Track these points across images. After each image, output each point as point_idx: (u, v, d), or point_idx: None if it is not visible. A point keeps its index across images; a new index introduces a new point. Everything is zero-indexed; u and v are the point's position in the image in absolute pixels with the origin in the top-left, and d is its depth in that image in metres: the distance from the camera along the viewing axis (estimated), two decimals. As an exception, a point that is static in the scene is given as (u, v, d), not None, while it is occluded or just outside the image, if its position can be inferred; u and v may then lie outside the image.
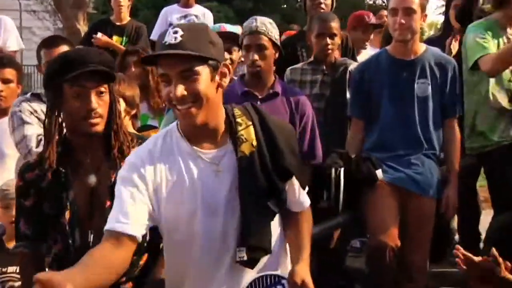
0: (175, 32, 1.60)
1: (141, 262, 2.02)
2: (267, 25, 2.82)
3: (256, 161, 1.71)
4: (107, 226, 1.60)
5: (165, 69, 1.60)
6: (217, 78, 1.64)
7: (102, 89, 1.91)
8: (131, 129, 2.52)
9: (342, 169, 2.79)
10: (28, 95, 3.04)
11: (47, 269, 2.04)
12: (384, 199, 2.86)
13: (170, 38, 1.58)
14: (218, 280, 1.73)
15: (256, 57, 2.76)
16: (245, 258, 1.70)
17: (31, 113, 2.92)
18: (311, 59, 3.44)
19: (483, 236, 3.48)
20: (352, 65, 3.37)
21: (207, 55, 1.59)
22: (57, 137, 1.97)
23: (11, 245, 2.53)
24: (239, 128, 1.74)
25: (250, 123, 1.76)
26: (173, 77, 1.58)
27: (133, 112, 2.67)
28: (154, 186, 1.67)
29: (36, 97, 2.98)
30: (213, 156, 1.70)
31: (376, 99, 3.02)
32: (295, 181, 1.80)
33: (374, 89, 3.04)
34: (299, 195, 1.85)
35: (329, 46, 3.26)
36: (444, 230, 3.59)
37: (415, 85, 2.94)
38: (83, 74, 1.86)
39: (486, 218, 3.58)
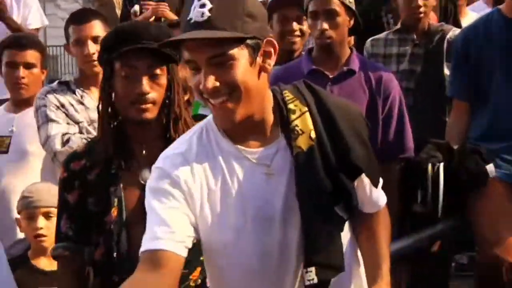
0: (202, 6, 1.43)
1: (193, 277, 1.96)
2: None
3: (317, 157, 1.56)
4: (142, 248, 1.44)
5: (191, 55, 1.45)
6: (259, 60, 1.47)
7: (158, 71, 1.85)
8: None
9: (442, 164, 2.59)
10: (55, 84, 2.92)
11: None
12: (497, 202, 2.64)
13: (196, 14, 1.42)
14: None
15: (325, 26, 2.56)
16: (315, 280, 1.54)
17: (58, 107, 2.81)
18: (398, 26, 3.30)
19: None
20: (452, 32, 3.17)
21: (244, 33, 1.43)
22: (109, 123, 1.95)
23: (38, 262, 2.49)
24: (293, 116, 1.58)
25: (306, 108, 1.60)
26: (201, 64, 1.43)
27: (186, 98, 2.53)
28: (192, 197, 1.53)
29: (65, 85, 2.87)
30: (262, 155, 1.56)
31: (486, 74, 2.76)
32: (364, 176, 1.63)
33: (483, 61, 2.78)
34: (371, 192, 1.67)
35: (421, 9, 3.12)
36: None
37: None
38: (134, 51, 1.83)
39: None
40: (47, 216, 2.49)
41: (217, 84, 1.40)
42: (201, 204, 1.52)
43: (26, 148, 2.94)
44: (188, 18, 1.44)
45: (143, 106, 1.86)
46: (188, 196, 1.49)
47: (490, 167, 2.61)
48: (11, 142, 2.96)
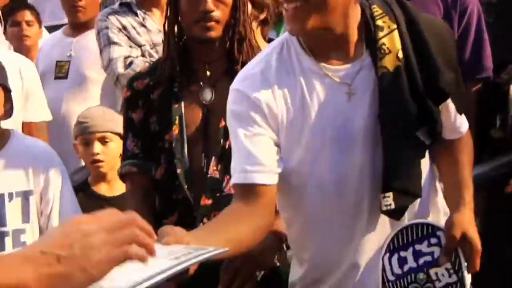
0: None
1: None
2: None
3: (403, 78, 1.52)
4: (233, 180, 1.49)
5: None
6: None
7: None
8: (260, 40, 2.43)
9: None
10: (116, 5, 2.87)
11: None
12: None
13: None
14: (356, 235, 1.57)
15: None
16: (393, 206, 1.54)
17: (120, 29, 2.76)
18: None
19: None
20: None
21: None
22: (175, 41, 1.95)
23: (98, 188, 2.50)
24: (380, 34, 1.53)
25: (395, 26, 1.54)
26: None
27: (263, 16, 2.52)
28: (273, 118, 1.53)
29: (126, 7, 2.81)
30: (344, 73, 1.53)
31: None
32: (449, 101, 1.60)
33: None
34: (455, 119, 1.64)
35: None
36: None
37: None
38: None
39: None
40: (103, 141, 2.49)
41: None
42: (280, 123, 1.51)
43: (85, 74, 2.92)
44: None
45: (208, 24, 1.84)
46: (269, 118, 1.49)
47: None
48: (70, 68, 2.94)
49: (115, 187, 2.51)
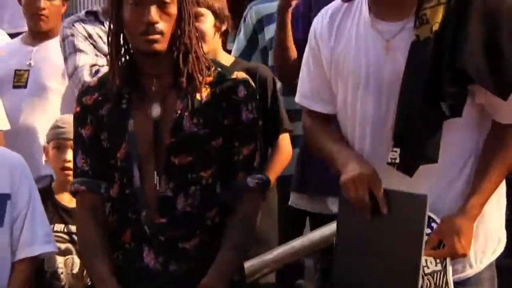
0: None
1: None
2: None
3: (428, 50, 1.62)
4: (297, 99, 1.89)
5: None
6: None
7: (168, 3, 1.82)
8: (221, 50, 2.57)
9: None
10: (82, 13, 2.89)
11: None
12: None
13: None
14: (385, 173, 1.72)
15: None
16: (397, 160, 1.67)
17: (86, 38, 2.78)
18: None
19: None
20: None
21: None
22: (120, 56, 1.91)
23: (61, 198, 2.52)
24: (426, 5, 1.63)
25: (445, 0, 1.63)
26: None
27: (224, 27, 2.56)
28: (327, 57, 1.79)
29: (93, 16, 2.84)
30: (387, 29, 1.69)
31: None
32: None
33: None
34: (500, 102, 1.65)
35: None
36: None
37: None
38: None
39: None
40: None
41: None
42: (333, 60, 1.76)
43: (44, 83, 2.90)
44: None
45: (151, 37, 1.81)
46: (323, 53, 1.78)
47: None
48: (29, 77, 2.91)
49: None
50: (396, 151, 1.68)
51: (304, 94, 1.89)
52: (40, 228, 2.37)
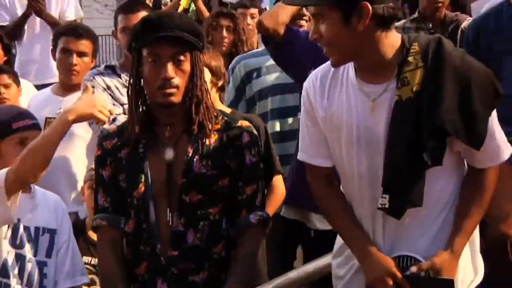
0: None
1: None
2: None
3: (411, 109, 1.76)
4: (303, 159, 2.00)
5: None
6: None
7: (181, 57, 1.96)
8: (218, 103, 2.64)
9: None
10: (102, 67, 3.14)
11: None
12: (509, 181, 2.58)
13: None
14: (375, 222, 1.89)
15: None
16: (387, 206, 1.80)
17: (104, 89, 3.02)
18: (415, 15, 3.67)
19: None
20: (466, 22, 3.45)
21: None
22: (139, 107, 2.07)
23: (93, 235, 2.64)
24: (406, 68, 1.77)
25: (422, 64, 1.78)
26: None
27: (220, 83, 2.72)
28: (321, 116, 1.90)
29: (110, 69, 3.08)
30: (372, 91, 1.81)
31: (496, 63, 2.84)
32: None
33: (493, 50, 2.94)
34: (474, 152, 1.83)
35: (439, 4, 3.51)
36: None
37: None
38: (160, 39, 1.94)
39: None
40: None
41: (315, 36, 1.80)
42: (325, 121, 1.90)
43: (72, 130, 2.99)
44: None
45: (168, 91, 1.97)
46: (317, 115, 1.91)
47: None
48: None
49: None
50: (385, 197, 1.81)
51: (306, 151, 2.01)
52: (79, 261, 2.57)
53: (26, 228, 2.48)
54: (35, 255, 2.47)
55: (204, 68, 2.31)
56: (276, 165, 2.87)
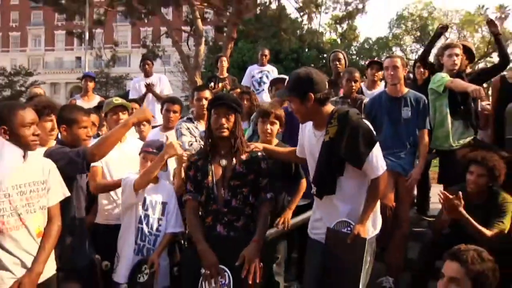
0: None
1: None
2: None
3: (328, 146, 2.69)
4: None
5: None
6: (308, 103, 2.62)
7: (231, 116, 2.94)
8: (275, 141, 3.63)
9: None
10: (185, 118, 4.53)
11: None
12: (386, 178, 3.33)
13: None
14: (317, 204, 2.88)
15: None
16: (315, 192, 2.81)
17: (187, 129, 4.34)
18: (341, 95, 4.92)
19: (431, 199, 5.32)
20: (365, 100, 4.82)
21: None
22: (208, 138, 2.98)
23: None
24: (329, 125, 2.70)
25: (336, 123, 2.65)
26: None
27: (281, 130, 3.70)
28: (302, 142, 2.89)
29: (189, 119, 4.48)
30: (317, 133, 2.76)
31: (379, 121, 4.40)
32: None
33: (378, 116, 4.43)
34: (365, 169, 2.73)
35: (353, 88, 4.83)
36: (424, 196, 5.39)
37: (402, 111, 4.40)
38: (221, 105, 2.91)
39: (434, 189, 5.39)
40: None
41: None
42: (303, 144, 2.89)
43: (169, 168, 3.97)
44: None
45: (222, 131, 2.87)
46: (302, 141, 2.89)
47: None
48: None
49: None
50: (315, 188, 2.71)
51: (299, 152, 2.97)
52: (179, 219, 3.53)
53: (150, 201, 3.42)
54: (154, 214, 3.43)
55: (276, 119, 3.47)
56: (301, 172, 3.65)
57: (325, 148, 2.73)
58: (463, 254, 2.27)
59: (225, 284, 2.77)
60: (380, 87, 5.88)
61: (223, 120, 2.88)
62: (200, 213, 3.00)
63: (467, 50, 5.00)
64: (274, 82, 5.15)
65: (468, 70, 5.06)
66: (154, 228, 3.41)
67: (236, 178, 2.94)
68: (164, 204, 3.50)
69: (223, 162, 2.96)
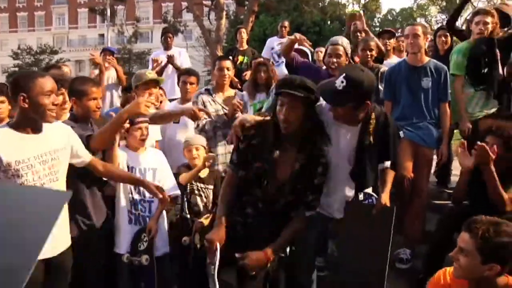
0: (342, 82, 2.61)
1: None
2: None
3: (367, 150, 2.82)
4: None
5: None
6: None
7: (295, 105, 2.53)
8: None
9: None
10: (203, 89, 4.54)
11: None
12: (403, 148, 4.16)
13: (338, 85, 2.62)
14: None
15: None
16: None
17: (203, 103, 4.36)
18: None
19: (453, 172, 5.29)
20: (382, 68, 4.75)
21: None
22: (272, 130, 2.62)
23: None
24: (370, 122, 2.80)
25: (374, 120, 2.78)
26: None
27: None
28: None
29: (207, 91, 4.50)
30: (346, 128, 2.83)
31: (399, 90, 4.42)
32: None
33: (397, 84, 4.43)
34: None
35: (369, 57, 4.79)
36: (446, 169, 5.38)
37: (422, 81, 4.36)
38: (287, 92, 2.52)
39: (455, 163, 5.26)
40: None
41: None
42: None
43: (185, 120, 4.53)
44: (335, 85, 2.56)
45: (283, 124, 2.57)
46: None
47: (401, 133, 4.06)
48: (180, 118, 4.47)
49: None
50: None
51: None
52: (172, 183, 3.61)
53: (140, 169, 3.50)
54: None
55: None
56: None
57: (365, 151, 2.80)
58: (476, 227, 2.25)
59: (213, 263, 2.60)
60: (395, 58, 5.82)
61: (282, 112, 2.60)
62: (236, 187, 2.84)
63: (503, 16, 4.82)
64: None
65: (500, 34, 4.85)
66: (147, 195, 3.40)
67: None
68: (154, 170, 3.53)
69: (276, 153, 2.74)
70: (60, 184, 2.62)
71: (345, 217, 2.83)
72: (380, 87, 4.63)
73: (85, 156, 2.85)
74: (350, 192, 2.91)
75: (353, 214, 2.81)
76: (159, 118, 3.64)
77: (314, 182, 2.64)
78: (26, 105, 2.48)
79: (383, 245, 2.70)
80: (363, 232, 2.76)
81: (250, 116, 2.85)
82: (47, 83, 2.55)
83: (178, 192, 3.62)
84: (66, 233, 2.79)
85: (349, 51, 4.35)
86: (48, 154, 2.56)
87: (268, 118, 2.69)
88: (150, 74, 4.23)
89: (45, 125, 2.62)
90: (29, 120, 2.52)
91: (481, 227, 2.25)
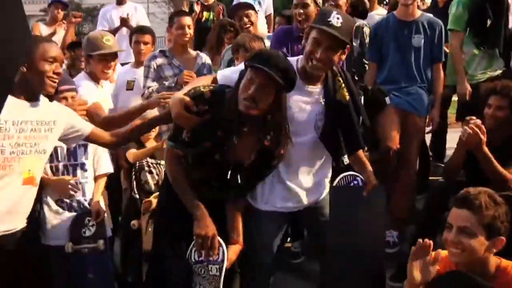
0: (338, 18, 2.36)
1: None
2: None
3: (344, 109, 2.60)
4: None
5: (320, 37, 2.41)
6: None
7: (268, 89, 2.24)
8: None
9: (362, 97, 3.34)
10: (157, 51, 4.14)
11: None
12: (389, 116, 3.82)
13: (334, 21, 2.34)
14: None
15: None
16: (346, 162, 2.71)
17: (155, 68, 4.01)
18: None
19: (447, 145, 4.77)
20: (359, 23, 4.28)
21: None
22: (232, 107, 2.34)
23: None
24: (337, 85, 2.59)
25: (342, 81, 2.60)
26: (322, 44, 2.41)
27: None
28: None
29: (162, 52, 4.08)
30: (309, 88, 2.59)
31: (386, 48, 3.99)
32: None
33: (384, 41, 4.00)
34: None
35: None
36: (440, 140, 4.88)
37: (412, 38, 3.93)
38: (261, 69, 2.19)
39: (450, 135, 4.80)
40: None
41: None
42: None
43: (140, 86, 4.13)
44: (328, 20, 2.30)
45: (245, 103, 2.28)
46: None
47: (387, 99, 3.69)
48: (135, 84, 4.24)
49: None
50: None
51: None
52: (107, 161, 3.37)
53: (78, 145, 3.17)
54: (60, 162, 3.19)
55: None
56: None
57: (341, 110, 2.55)
58: (474, 200, 2.06)
59: (217, 262, 2.40)
60: (381, 9, 5.42)
61: (251, 90, 2.30)
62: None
63: None
64: (238, 8, 4.64)
65: None
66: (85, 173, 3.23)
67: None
68: (85, 146, 3.24)
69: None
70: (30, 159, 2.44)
71: (333, 204, 2.63)
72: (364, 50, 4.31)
73: (84, 127, 2.69)
74: (324, 169, 2.70)
75: (342, 199, 2.64)
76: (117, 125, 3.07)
77: (264, 173, 2.52)
78: (25, 69, 2.36)
79: (377, 228, 2.63)
80: (356, 216, 2.63)
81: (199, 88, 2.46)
82: (52, 49, 2.47)
83: (111, 169, 3.39)
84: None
85: None
86: (29, 123, 2.42)
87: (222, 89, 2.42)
88: (109, 42, 3.57)
89: (44, 100, 2.51)
90: (26, 86, 2.41)
91: (480, 199, 2.08)
